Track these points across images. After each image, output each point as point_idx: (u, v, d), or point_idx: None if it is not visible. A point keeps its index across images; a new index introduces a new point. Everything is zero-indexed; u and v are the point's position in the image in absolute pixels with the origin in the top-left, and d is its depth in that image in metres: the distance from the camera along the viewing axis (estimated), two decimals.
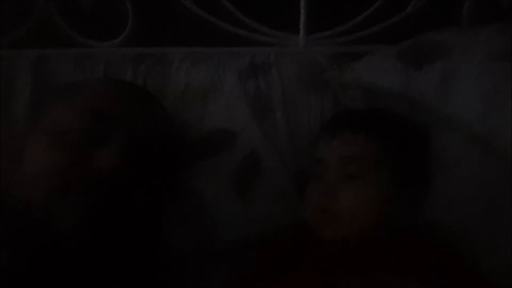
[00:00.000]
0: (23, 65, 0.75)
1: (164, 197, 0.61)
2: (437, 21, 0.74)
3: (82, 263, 0.49)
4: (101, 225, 0.50)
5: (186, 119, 0.69)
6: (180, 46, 0.82)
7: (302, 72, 0.72)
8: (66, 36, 0.83)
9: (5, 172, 0.54)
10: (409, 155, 0.57)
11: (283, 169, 0.65)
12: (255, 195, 0.63)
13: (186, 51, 0.79)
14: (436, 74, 0.58)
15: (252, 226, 0.60)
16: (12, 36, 0.81)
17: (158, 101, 0.65)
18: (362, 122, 0.57)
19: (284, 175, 0.64)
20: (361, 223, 0.53)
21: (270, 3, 0.82)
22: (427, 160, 0.58)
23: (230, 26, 0.82)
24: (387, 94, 0.63)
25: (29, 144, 0.54)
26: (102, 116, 0.55)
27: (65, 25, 0.82)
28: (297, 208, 0.59)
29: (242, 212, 0.62)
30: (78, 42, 0.83)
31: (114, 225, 0.52)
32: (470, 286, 0.46)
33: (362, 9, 0.79)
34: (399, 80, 0.62)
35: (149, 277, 0.55)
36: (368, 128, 0.56)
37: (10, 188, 0.52)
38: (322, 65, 0.73)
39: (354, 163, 0.55)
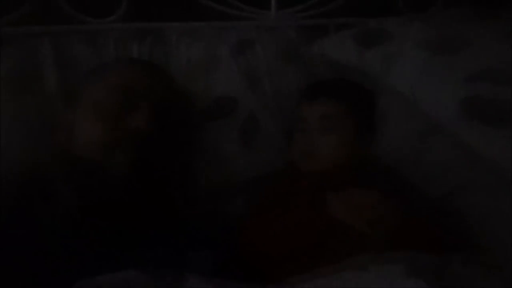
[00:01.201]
0: (42, 43, 0.84)
1: (186, 149, 0.80)
2: None
3: (131, 201, 0.66)
4: (144, 170, 0.68)
5: (192, 89, 0.86)
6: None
7: (279, 47, 0.91)
8: (62, 12, 0.93)
9: (63, 140, 0.70)
10: (364, 112, 0.82)
11: (275, 125, 0.86)
12: (257, 146, 0.84)
13: (173, 26, 0.94)
14: (381, 54, 0.82)
15: (257, 168, 0.82)
16: (13, 14, 0.89)
17: (170, 74, 0.82)
18: (332, 90, 0.81)
19: (276, 130, 0.86)
20: (335, 160, 0.78)
21: None
22: (374, 114, 0.84)
23: (212, 2, 0.98)
24: (345, 67, 0.86)
25: (78, 118, 0.71)
26: (131, 89, 0.71)
27: (63, 2, 0.92)
28: (288, 153, 0.82)
29: (248, 158, 0.83)
30: (76, 18, 0.93)
31: (153, 171, 0.70)
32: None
33: None
34: (354, 57, 0.85)
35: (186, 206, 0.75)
36: (337, 94, 0.80)
37: (71, 151, 0.69)
38: (294, 40, 0.93)
39: (328, 119, 0.78)
